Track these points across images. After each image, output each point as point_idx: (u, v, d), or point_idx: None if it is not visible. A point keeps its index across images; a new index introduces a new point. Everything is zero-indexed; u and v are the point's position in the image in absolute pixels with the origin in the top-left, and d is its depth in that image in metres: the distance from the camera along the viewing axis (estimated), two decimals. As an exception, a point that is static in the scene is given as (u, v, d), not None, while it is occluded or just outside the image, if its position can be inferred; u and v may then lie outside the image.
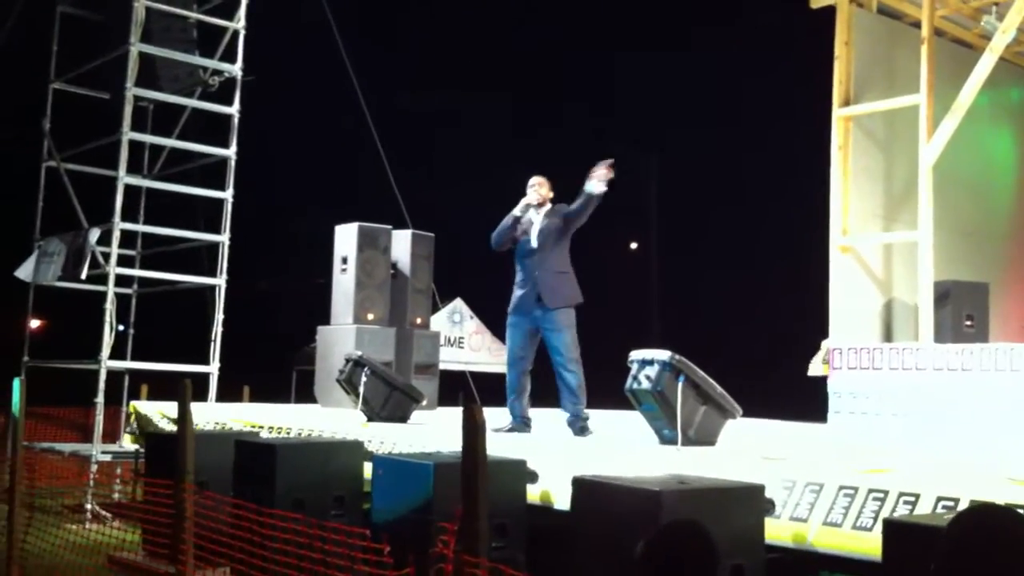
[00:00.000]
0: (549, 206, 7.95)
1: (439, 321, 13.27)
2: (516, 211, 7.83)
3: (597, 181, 7.50)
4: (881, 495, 5.18)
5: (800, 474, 5.47)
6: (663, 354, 6.39)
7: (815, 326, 11.41)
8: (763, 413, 9.79)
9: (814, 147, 11.85)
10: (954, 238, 10.95)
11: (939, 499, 4.92)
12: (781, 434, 8.35)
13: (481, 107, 13.84)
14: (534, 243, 7.76)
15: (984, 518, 2.59)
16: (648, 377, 6.37)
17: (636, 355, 6.62)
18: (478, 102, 13.90)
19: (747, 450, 6.05)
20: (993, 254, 12.93)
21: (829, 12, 11.99)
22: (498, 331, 13.86)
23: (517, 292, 7.84)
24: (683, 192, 13.01)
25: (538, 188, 7.90)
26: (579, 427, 7.53)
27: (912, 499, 4.92)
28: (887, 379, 10.51)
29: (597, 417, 9.27)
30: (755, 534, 4.94)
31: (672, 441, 6.18)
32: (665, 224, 13.41)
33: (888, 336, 11.84)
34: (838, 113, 11.77)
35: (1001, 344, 10.73)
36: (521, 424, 7.86)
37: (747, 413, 7.66)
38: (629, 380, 6.58)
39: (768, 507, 5.26)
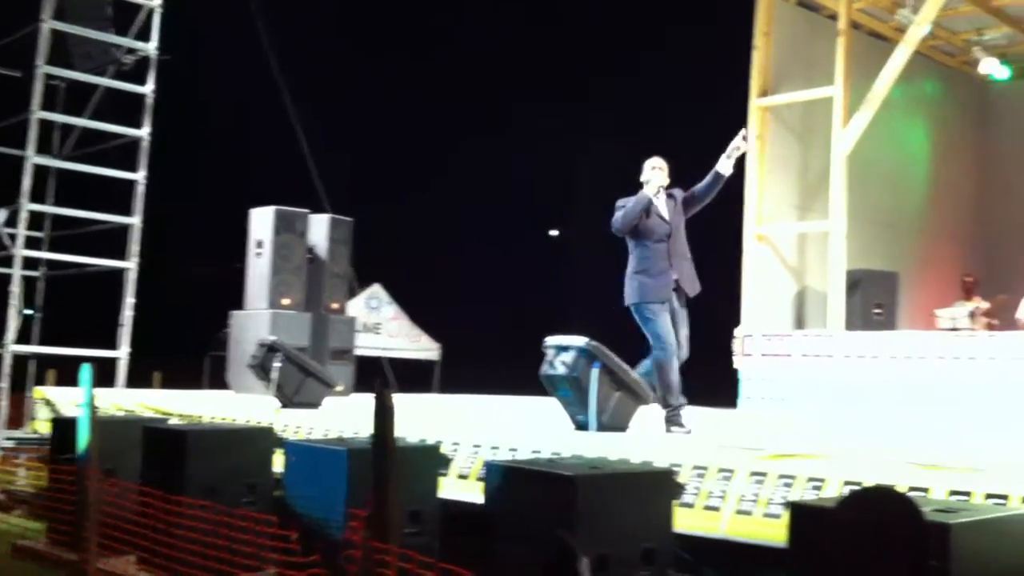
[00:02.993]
0: (662, 190, 7.52)
1: (356, 307, 13.15)
2: (649, 193, 7.34)
3: (727, 159, 7.28)
4: (790, 480, 5.25)
5: (711, 460, 5.52)
6: (579, 340, 6.40)
7: (729, 314, 11.55)
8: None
9: (731, 137, 11.94)
10: (866, 228, 11.16)
11: (845, 483, 5.00)
12: (692, 419, 8.42)
13: (406, 90, 13.73)
14: (668, 228, 7.36)
15: (870, 500, 2.63)
16: (564, 363, 6.38)
17: (552, 341, 6.62)
18: (401, 85, 13.79)
19: (658, 435, 6.09)
20: (904, 244, 13.22)
21: (749, 2, 12.11)
22: (417, 317, 13.81)
23: (648, 280, 7.32)
24: (598, 179, 13.04)
25: (662, 170, 7.44)
26: (672, 418, 7.16)
27: (819, 483, 4.99)
28: (798, 365, 10.69)
29: (512, 403, 9.29)
30: (665, 518, 4.96)
31: (586, 426, 6.19)
32: (582, 211, 13.44)
33: (800, 323, 12.04)
34: (756, 103, 11.92)
35: (909, 332, 10.98)
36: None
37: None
38: (544, 366, 6.57)
39: (677, 492, 5.29)
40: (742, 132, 7.35)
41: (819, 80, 11.50)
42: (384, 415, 3.69)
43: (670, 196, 7.42)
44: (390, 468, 3.65)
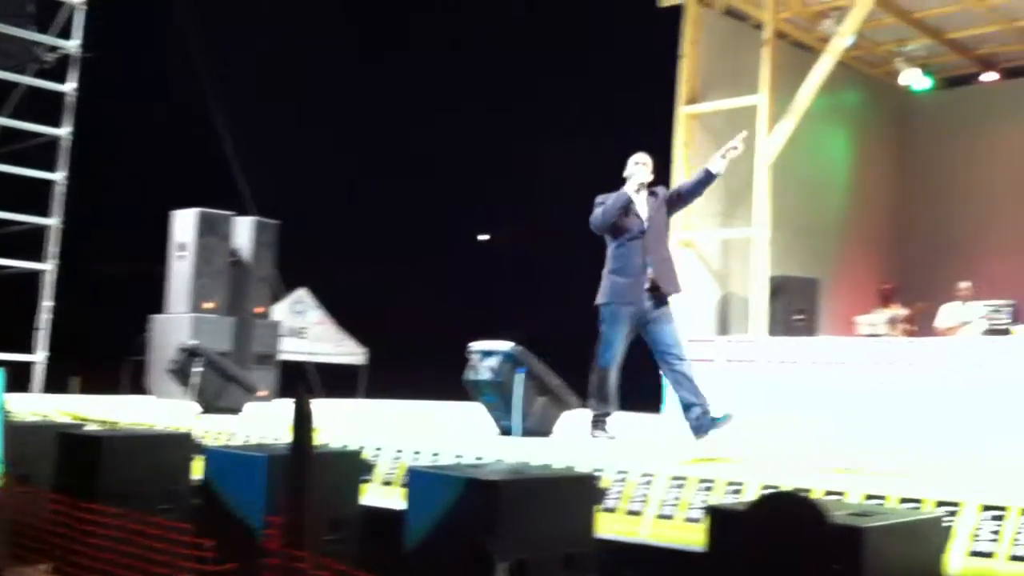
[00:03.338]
0: (645, 189, 7.24)
1: (281, 311, 13.01)
2: (629, 190, 7.06)
3: (721, 158, 7.02)
4: (709, 484, 5.29)
5: (633, 464, 5.54)
6: (504, 345, 6.39)
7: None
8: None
9: (659, 143, 12.06)
10: (788, 235, 11.32)
11: (764, 487, 5.05)
12: (617, 424, 8.45)
13: (335, 91, 13.60)
14: (645, 226, 7.05)
15: (777, 505, 2.65)
16: (489, 368, 6.36)
17: (477, 346, 6.60)
18: (331, 85, 13.65)
19: (583, 440, 6.10)
20: (825, 251, 13.44)
21: (676, 11, 12.22)
22: (343, 321, 13.70)
23: (620, 280, 7.06)
24: (527, 183, 13.08)
25: (646, 166, 7.15)
26: (703, 422, 6.99)
27: (739, 488, 5.03)
28: (721, 370, 10.80)
29: (437, 408, 9.25)
30: (587, 523, 4.97)
31: (510, 431, 6.18)
32: (511, 215, 13.45)
33: (724, 329, 12.17)
34: (683, 110, 12.04)
35: (829, 337, 11.17)
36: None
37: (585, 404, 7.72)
38: (469, 371, 6.55)
39: (600, 496, 5.30)
40: (743, 133, 7.12)
41: (745, 89, 11.65)
42: (303, 421, 3.63)
43: (652, 193, 7.16)
44: (307, 475, 3.60)
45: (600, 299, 7.12)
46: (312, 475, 3.80)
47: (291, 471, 3.80)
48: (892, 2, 12.35)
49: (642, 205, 7.09)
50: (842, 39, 11.30)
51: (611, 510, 5.45)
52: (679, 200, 7.28)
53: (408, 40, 13.49)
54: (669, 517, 5.26)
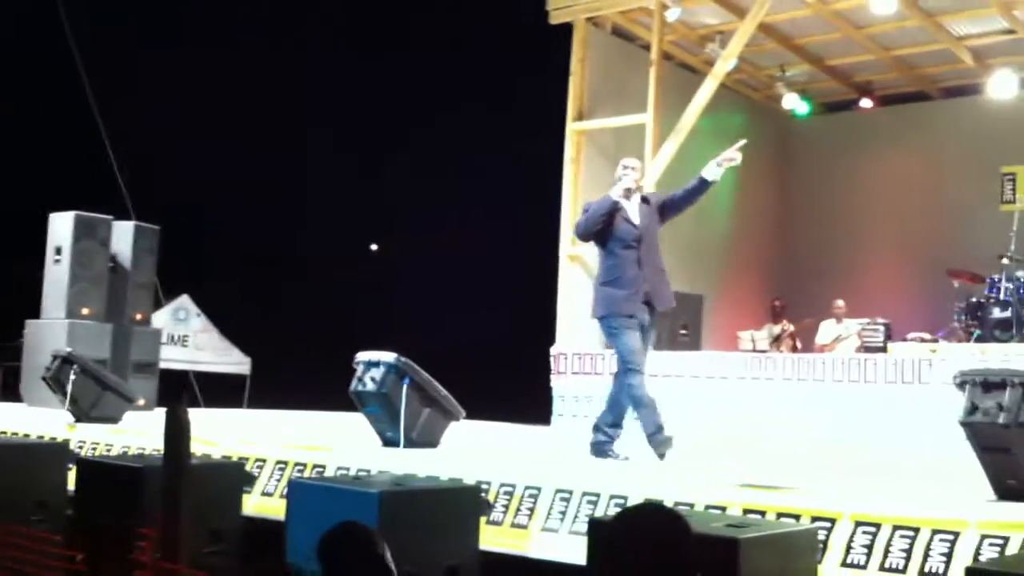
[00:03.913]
0: (637, 194, 6.86)
1: (162, 318, 12.71)
2: (614, 195, 6.67)
3: (717, 166, 6.68)
4: (594, 498, 5.34)
5: (519, 477, 5.55)
6: (389, 356, 6.35)
7: (544, 332, 11.71)
8: (492, 416, 9.93)
9: (549, 159, 12.17)
10: (674, 252, 11.41)
11: (646, 500, 5.12)
12: (504, 436, 8.47)
13: (223, 98, 13.33)
14: (637, 233, 6.66)
15: (640, 516, 2.69)
16: (373, 379, 6.31)
17: (362, 357, 6.54)
18: (218, 93, 13.38)
19: (468, 451, 6.09)
20: (710, 269, 13.71)
21: (567, 29, 12.35)
22: (227, 330, 13.44)
23: (615, 292, 6.65)
24: (419, 196, 13.06)
25: (634, 171, 6.79)
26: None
27: (622, 500, 5.08)
28: (608, 383, 10.91)
29: (322, 419, 9.15)
30: (471, 535, 4.96)
31: (394, 442, 6.14)
32: (401, 228, 13.40)
33: (611, 343, 12.29)
34: (572, 127, 12.16)
35: (712, 352, 11.38)
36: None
37: (473, 416, 7.72)
38: (354, 382, 6.49)
39: (485, 508, 5.30)
40: (742, 142, 6.86)
41: (632, 107, 11.82)
42: (177, 431, 3.55)
43: (644, 200, 6.81)
44: (182, 486, 3.51)
45: (597, 312, 6.78)
46: (188, 486, 3.71)
47: (165, 482, 3.71)
48: (774, 28, 12.69)
49: (634, 212, 6.72)
50: (725, 62, 11.57)
51: (497, 523, 5.47)
52: (671, 207, 6.89)
53: (305, 40, 13.33)
54: (554, 531, 5.29)
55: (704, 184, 6.73)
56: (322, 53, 13.32)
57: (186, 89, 13.33)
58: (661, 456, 6.33)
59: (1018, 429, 4.58)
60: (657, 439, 6.45)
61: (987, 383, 4.74)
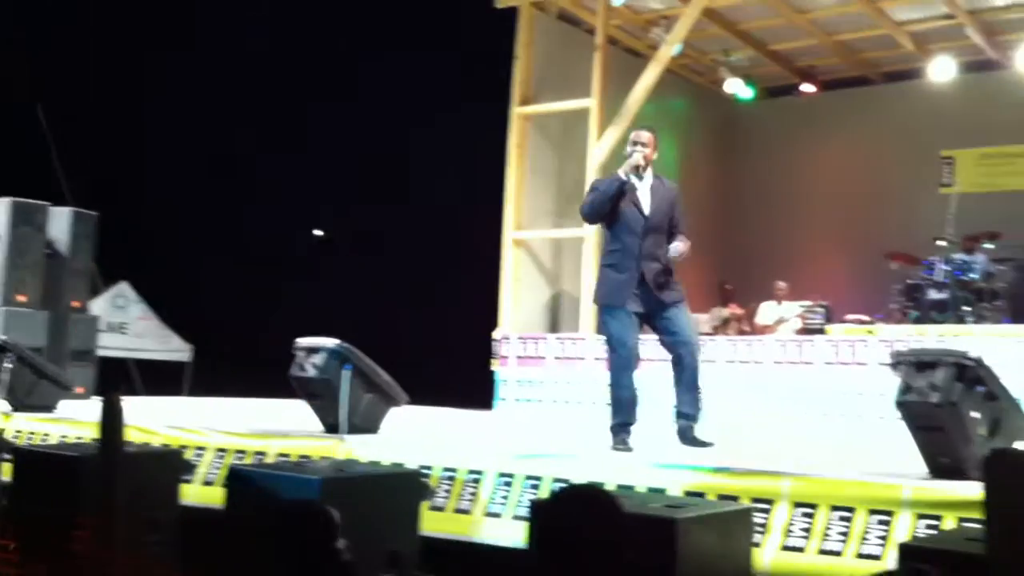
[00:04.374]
0: (650, 172, 6.25)
1: (101, 305, 12.50)
2: (621, 174, 6.12)
3: (674, 251, 6.16)
4: (536, 481, 5.34)
5: (461, 462, 5.55)
6: (330, 342, 6.29)
7: (488, 316, 11.71)
8: (435, 401, 9.91)
9: (493, 143, 12.14)
10: (617, 236, 11.50)
11: (589, 483, 5.13)
12: (446, 421, 8.46)
13: (164, 81, 13.10)
14: (644, 222, 6.13)
15: (574, 498, 2.70)
16: (314, 365, 6.26)
17: (302, 342, 6.49)
18: (159, 77, 13.15)
19: (410, 437, 6.07)
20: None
21: (512, 13, 12.32)
22: (167, 317, 13.27)
23: (617, 279, 6.15)
24: (364, 181, 12.96)
25: (644, 146, 6.17)
26: (692, 435, 6.11)
27: (564, 484, 5.08)
28: (551, 368, 10.96)
29: (264, 406, 9.07)
30: (412, 520, 4.95)
31: (336, 428, 6.10)
32: (346, 213, 13.29)
33: (555, 327, 12.33)
34: (516, 111, 12.14)
35: (652, 336, 11.44)
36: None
37: (417, 401, 7.70)
38: (294, 368, 6.43)
39: (426, 493, 5.29)
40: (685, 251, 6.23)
41: (577, 92, 11.83)
42: (111, 419, 3.49)
43: (661, 184, 6.25)
44: (117, 475, 3.46)
45: (595, 297, 6.45)
46: (123, 475, 3.66)
47: (100, 471, 3.65)
48: (718, 13, 12.75)
49: (645, 196, 6.17)
50: (670, 47, 11.61)
51: (440, 509, 5.45)
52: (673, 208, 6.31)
53: (273, 37, 13.16)
54: (498, 515, 5.29)
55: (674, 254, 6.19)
56: (259, 40, 13.15)
57: (126, 69, 13.09)
58: (613, 448, 6.03)
59: (950, 408, 4.65)
60: (616, 436, 6.12)
61: (920, 363, 4.81)
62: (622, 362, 6.22)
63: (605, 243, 6.34)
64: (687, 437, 5.98)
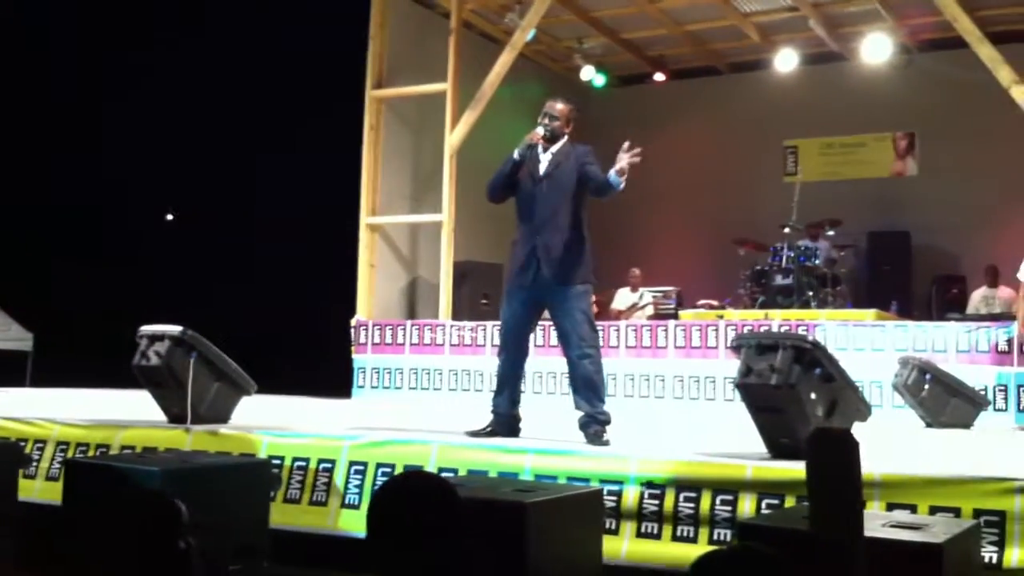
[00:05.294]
0: (564, 143, 5.96)
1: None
2: (516, 153, 5.85)
3: (617, 175, 5.73)
4: (389, 469, 5.32)
5: (314, 453, 5.47)
6: (174, 329, 6.11)
7: (344, 303, 11.57)
8: (290, 390, 9.76)
9: (349, 126, 11.97)
10: (473, 221, 11.53)
11: (440, 470, 5.14)
12: (301, 410, 8.34)
13: (39, 54, 12.42)
14: (534, 188, 5.84)
15: (406, 484, 2.70)
16: (158, 353, 6.07)
17: (146, 330, 6.28)
18: (37, 46, 12.44)
19: (260, 426, 5.94)
20: (509, 237, 13.79)
21: (367, -7, 12.17)
22: (6, 305, 12.71)
23: (513, 256, 5.92)
24: (216, 165, 12.62)
25: (551, 119, 5.91)
26: (594, 431, 5.63)
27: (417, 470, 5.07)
28: (409, 354, 10.91)
29: (108, 397, 8.77)
30: (262, 511, 4.87)
31: (182, 418, 5.94)
32: (196, 197, 12.92)
33: (412, 313, 12.28)
34: (371, 94, 12.02)
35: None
36: (506, 422, 5.88)
37: (272, 390, 7.55)
38: (137, 356, 6.23)
39: (275, 483, 5.21)
40: (637, 151, 5.89)
41: (433, 76, 11.77)
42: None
43: (565, 152, 5.92)
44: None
45: None
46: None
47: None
48: (571, 0, 12.86)
49: (541, 162, 5.90)
50: (524, 33, 11.65)
51: (295, 501, 5.37)
52: (580, 180, 5.91)
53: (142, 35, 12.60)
54: (355, 507, 5.25)
55: (607, 187, 5.82)
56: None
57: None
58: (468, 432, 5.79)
59: (789, 390, 4.81)
60: (495, 415, 5.93)
61: (761, 346, 4.96)
62: (501, 341, 6.07)
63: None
64: (586, 434, 5.63)
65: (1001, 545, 3.96)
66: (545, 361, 9.12)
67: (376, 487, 5.23)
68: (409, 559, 2.39)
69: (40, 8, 12.26)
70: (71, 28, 12.49)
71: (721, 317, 10.61)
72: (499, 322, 6.39)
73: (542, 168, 5.88)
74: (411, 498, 2.50)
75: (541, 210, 5.83)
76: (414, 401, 10.56)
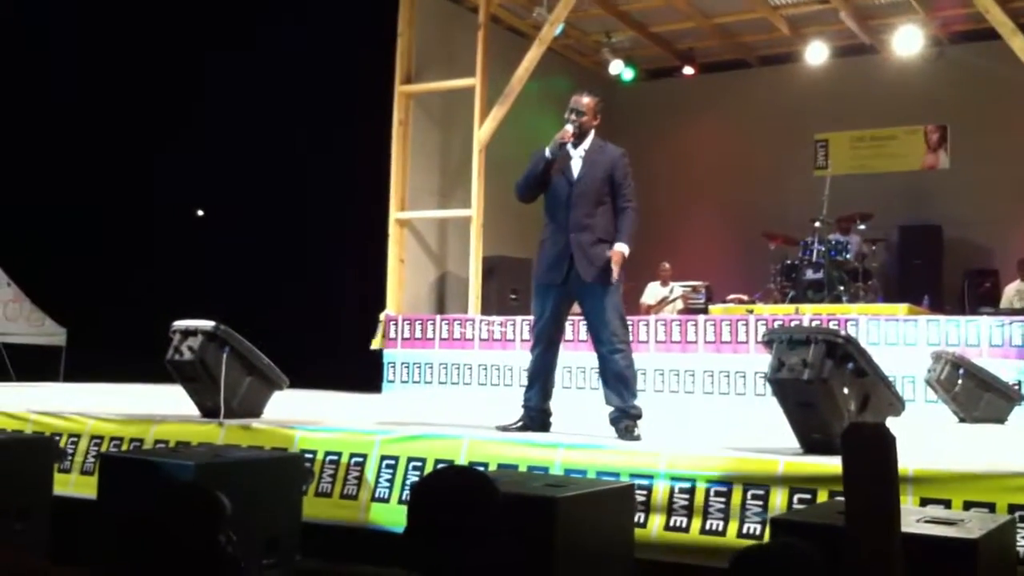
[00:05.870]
0: (594, 137, 5.95)
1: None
2: (547, 151, 5.82)
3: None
4: (420, 463, 5.33)
5: (345, 447, 5.50)
6: (207, 324, 6.15)
7: (374, 298, 11.61)
8: (321, 384, 9.81)
9: (378, 122, 11.99)
10: (502, 216, 11.52)
11: (470, 464, 5.15)
12: (332, 404, 8.37)
13: (37, 51, 12.55)
14: (569, 191, 5.82)
15: (446, 479, 2.71)
16: (191, 348, 6.11)
17: (178, 325, 6.32)
18: (36, 45, 12.58)
19: (293, 420, 5.98)
20: (537, 232, 13.79)
21: (395, -11, 12.19)
22: (40, 300, 12.84)
23: (544, 255, 5.92)
24: (248, 161, 12.67)
25: (579, 115, 5.85)
26: (625, 426, 5.62)
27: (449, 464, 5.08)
28: (439, 349, 10.94)
29: (141, 391, 8.84)
30: (293, 505, 4.90)
31: (214, 413, 5.98)
32: (219, 192, 12.97)
33: (441, 308, 12.31)
34: (400, 89, 12.04)
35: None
36: (537, 416, 5.92)
37: (302, 385, 7.59)
38: (171, 351, 6.27)
39: (307, 477, 5.24)
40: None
41: (461, 71, 11.78)
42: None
43: (598, 148, 5.91)
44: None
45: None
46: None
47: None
48: (599, -6, 12.84)
49: (577, 161, 5.89)
50: (552, 27, 11.64)
51: (327, 495, 5.40)
52: (612, 176, 5.92)
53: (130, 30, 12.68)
54: (385, 500, 5.27)
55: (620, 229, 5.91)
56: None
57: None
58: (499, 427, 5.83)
59: (821, 384, 4.78)
60: (526, 409, 5.96)
61: (792, 340, 4.93)
62: (533, 337, 6.09)
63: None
64: (617, 428, 5.62)
65: (1036, 541, 3.92)
66: (576, 356, 9.08)
67: (407, 481, 5.25)
68: (446, 556, 2.39)
69: (39, 8, 12.34)
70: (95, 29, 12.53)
71: (751, 312, 10.57)
72: (528, 317, 6.43)
73: (574, 166, 5.88)
74: (452, 493, 2.50)
75: (573, 208, 5.83)
76: (444, 396, 10.58)
